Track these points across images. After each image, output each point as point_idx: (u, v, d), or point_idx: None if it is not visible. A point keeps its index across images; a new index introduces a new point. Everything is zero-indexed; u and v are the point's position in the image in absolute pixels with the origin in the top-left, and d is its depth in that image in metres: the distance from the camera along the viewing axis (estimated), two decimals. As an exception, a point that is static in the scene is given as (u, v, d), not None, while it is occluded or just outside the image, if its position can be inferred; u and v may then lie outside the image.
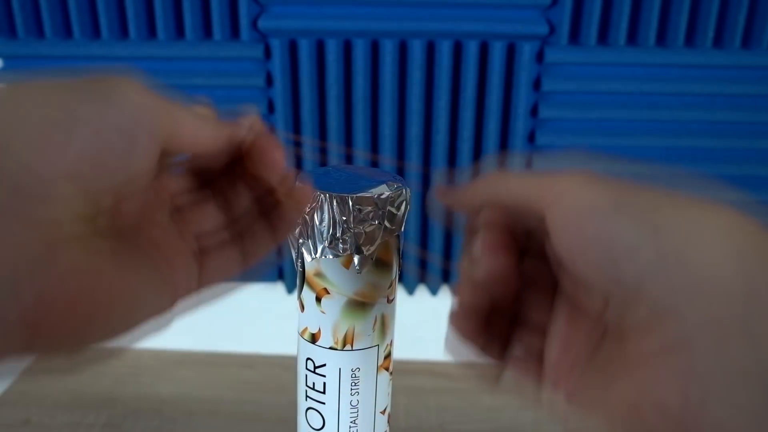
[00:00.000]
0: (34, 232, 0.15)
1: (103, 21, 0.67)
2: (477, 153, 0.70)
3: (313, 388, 0.32)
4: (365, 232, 0.28)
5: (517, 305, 0.24)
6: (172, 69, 0.68)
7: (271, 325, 0.83)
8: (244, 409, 0.74)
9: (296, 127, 0.70)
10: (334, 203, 0.27)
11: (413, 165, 0.70)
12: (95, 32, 0.69)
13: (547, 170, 0.21)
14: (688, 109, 0.67)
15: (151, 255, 0.21)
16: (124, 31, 0.68)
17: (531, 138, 0.70)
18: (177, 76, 0.68)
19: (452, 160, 0.71)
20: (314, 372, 0.31)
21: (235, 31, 0.68)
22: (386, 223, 0.28)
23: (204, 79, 0.68)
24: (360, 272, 0.28)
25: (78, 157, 0.16)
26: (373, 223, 0.28)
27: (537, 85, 0.67)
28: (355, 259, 0.28)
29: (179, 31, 0.68)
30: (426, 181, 0.72)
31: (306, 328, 0.31)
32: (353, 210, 0.27)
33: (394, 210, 0.28)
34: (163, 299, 0.21)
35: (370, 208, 0.27)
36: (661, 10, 0.64)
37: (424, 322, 0.83)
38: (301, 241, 0.29)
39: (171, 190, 0.24)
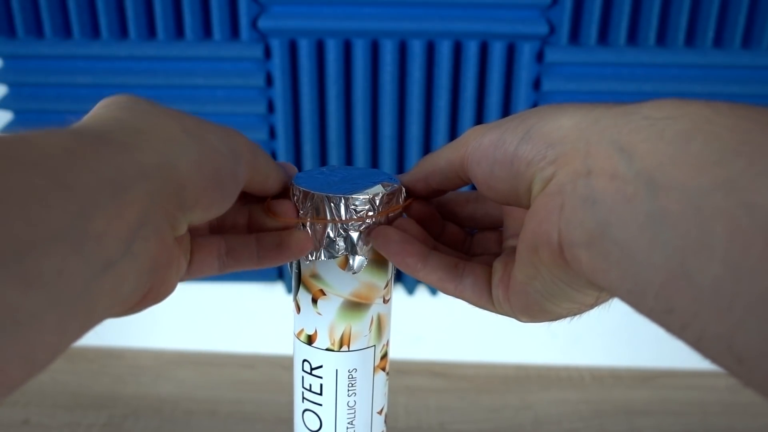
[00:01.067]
0: (170, 224, 0.22)
1: (102, 21, 0.67)
2: (477, 153, 0.70)
3: (309, 390, 0.32)
4: (361, 232, 0.28)
5: (468, 246, 0.31)
6: (172, 69, 0.68)
7: (270, 325, 0.83)
8: (244, 409, 0.74)
9: (296, 126, 0.70)
10: (330, 204, 0.27)
11: (413, 165, 0.70)
12: (95, 32, 0.69)
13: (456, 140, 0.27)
14: (688, 109, 0.67)
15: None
16: (123, 31, 0.68)
17: (531, 138, 0.70)
18: (177, 76, 0.68)
19: (452, 160, 0.71)
20: (311, 374, 0.31)
21: (235, 31, 0.68)
22: (382, 224, 0.28)
23: (204, 79, 0.68)
24: (356, 273, 0.28)
25: (208, 178, 0.23)
26: (368, 223, 0.27)
27: (537, 85, 0.67)
28: (351, 260, 0.28)
29: (179, 31, 0.68)
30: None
31: (302, 330, 0.31)
32: (348, 211, 0.27)
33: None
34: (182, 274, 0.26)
35: (365, 209, 0.27)
36: (662, 9, 0.64)
37: (424, 322, 0.83)
38: None
39: None
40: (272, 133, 0.70)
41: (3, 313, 0.15)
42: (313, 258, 0.28)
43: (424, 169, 0.30)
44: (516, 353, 0.83)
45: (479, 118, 0.69)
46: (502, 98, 0.67)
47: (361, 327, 0.29)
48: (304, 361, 0.31)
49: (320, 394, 0.31)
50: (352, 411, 0.31)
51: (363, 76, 0.67)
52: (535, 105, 0.68)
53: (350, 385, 0.30)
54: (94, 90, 0.70)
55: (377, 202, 0.27)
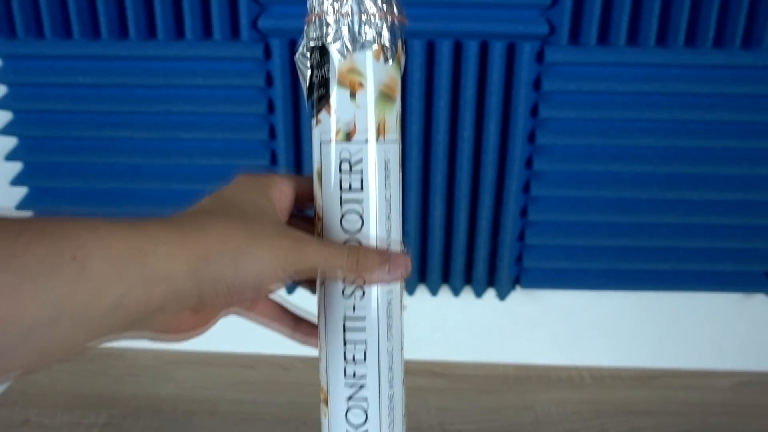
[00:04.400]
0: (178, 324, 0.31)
1: (102, 21, 0.67)
2: (477, 153, 0.70)
3: (350, 189, 0.32)
4: (386, 22, 0.31)
5: None
6: (172, 69, 0.68)
7: (270, 325, 0.83)
8: (244, 409, 0.74)
9: (296, 126, 0.70)
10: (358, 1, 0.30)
11: (412, 166, 0.70)
12: (95, 32, 0.69)
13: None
14: (688, 109, 0.67)
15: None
16: (123, 31, 0.68)
17: (531, 138, 0.70)
18: (177, 76, 0.68)
19: (452, 160, 0.71)
20: (350, 171, 0.31)
21: (235, 31, 0.68)
22: (400, 10, 0.32)
23: (204, 79, 0.68)
24: (388, 61, 0.31)
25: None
26: (391, 11, 0.31)
27: (537, 85, 0.67)
28: (385, 47, 0.31)
29: (179, 31, 0.68)
30: (426, 180, 0.72)
31: (339, 130, 0.31)
32: (375, 2, 0.30)
33: None
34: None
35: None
36: (662, 10, 0.64)
37: (424, 322, 0.83)
38: (329, 41, 0.31)
39: None
40: (272, 133, 0.70)
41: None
42: (352, 50, 0.31)
43: None
44: (516, 353, 0.82)
45: (479, 118, 0.69)
46: (502, 98, 0.67)
47: (392, 118, 0.32)
48: (341, 162, 0.31)
49: (361, 189, 0.31)
50: (389, 205, 0.32)
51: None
52: (535, 105, 0.68)
53: (386, 176, 0.32)
54: (94, 90, 0.70)
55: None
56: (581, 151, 0.70)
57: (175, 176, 0.72)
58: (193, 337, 0.32)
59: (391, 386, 0.33)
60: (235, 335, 0.85)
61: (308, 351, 0.95)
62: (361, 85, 0.31)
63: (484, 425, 0.72)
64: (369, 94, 0.31)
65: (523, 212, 0.73)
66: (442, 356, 0.84)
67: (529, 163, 0.71)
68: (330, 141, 0.31)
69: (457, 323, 0.81)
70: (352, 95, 0.31)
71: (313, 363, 0.93)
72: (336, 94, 0.31)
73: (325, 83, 0.31)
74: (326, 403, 0.34)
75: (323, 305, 0.33)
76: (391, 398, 0.33)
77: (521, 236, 0.74)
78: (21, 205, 0.74)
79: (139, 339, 0.28)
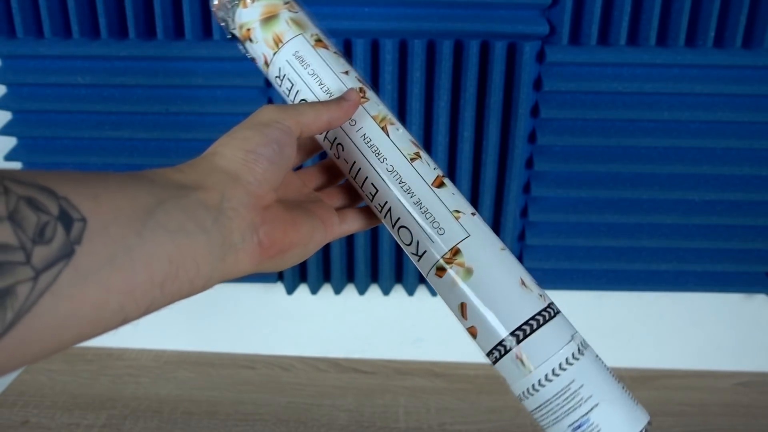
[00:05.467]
0: (256, 202, 0.29)
1: (102, 21, 0.67)
2: (477, 153, 0.70)
3: (289, 93, 0.39)
4: None
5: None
6: (172, 69, 0.68)
7: (270, 325, 0.83)
8: (243, 410, 0.74)
9: (296, 127, 0.70)
10: None
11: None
12: (94, 32, 0.68)
13: None
14: (690, 109, 0.67)
15: (310, 213, 0.34)
16: (123, 31, 0.68)
17: (531, 138, 0.70)
18: (177, 76, 0.68)
19: (452, 160, 0.71)
20: (281, 81, 0.39)
21: (234, 31, 0.68)
22: None
23: (204, 79, 0.68)
24: (254, 1, 0.39)
25: (265, 168, 0.30)
26: None
27: (537, 85, 0.67)
28: None
29: (179, 31, 0.68)
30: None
31: (264, 64, 0.40)
32: None
33: None
34: (321, 238, 0.35)
35: None
36: (662, 10, 0.64)
37: (424, 323, 0.83)
38: (230, 23, 0.40)
39: (307, 176, 0.40)
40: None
41: (180, 227, 0.26)
42: (231, 17, 0.40)
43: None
44: (516, 354, 0.82)
45: (480, 118, 0.69)
46: (502, 98, 0.67)
47: (281, 26, 0.38)
48: (276, 80, 0.40)
49: (291, 86, 0.38)
50: (318, 77, 0.38)
51: (363, 76, 0.67)
52: (535, 105, 0.68)
53: (301, 62, 0.38)
54: (94, 90, 0.70)
55: None
56: (581, 151, 0.70)
57: (174, 176, 0.72)
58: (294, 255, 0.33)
59: (411, 194, 0.35)
60: (235, 335, 0.85)
61: (308, 351, 0.96)
62: (249, 30, 0.39)
63: (484, 425, 0.72)
64: (256, 31, 0.38)
65: (523, 212, 0.73)
66: (442, 356, 0.83)
67: (529, 163, 0.71)
68: (267, 73, 0.40)
69: (457, 323, 0.81)
70: (251, 40, 0.39)
71: (312, 363, 0.93)
72: (247, 47, 0.40)
73: (244, 47, 0.41)
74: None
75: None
76: (418, 203, 0.34)
77: (521, 236, 0.74)
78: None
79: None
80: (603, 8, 0.64)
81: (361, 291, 0.78)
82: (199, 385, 0.78)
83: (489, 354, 0.33)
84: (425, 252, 0.35)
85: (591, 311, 0.80)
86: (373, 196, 0.36)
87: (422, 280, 0.78)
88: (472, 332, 0.34)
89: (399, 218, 0.35)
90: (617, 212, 0.71)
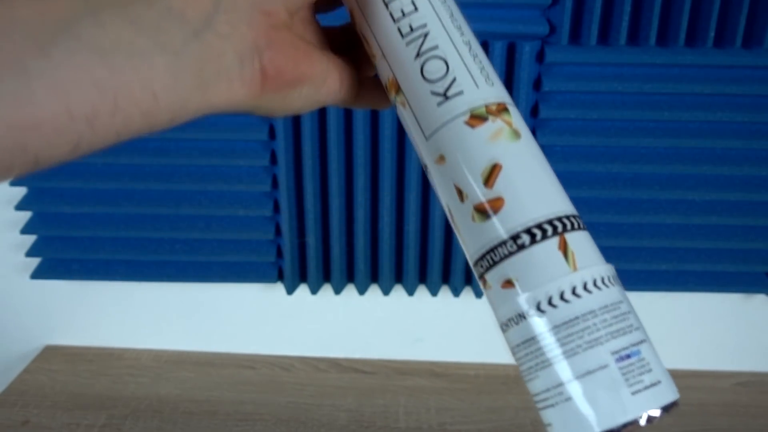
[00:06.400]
0: (263, 19, 0.24)
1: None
2: (477, 153, 0.70)
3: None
4: None
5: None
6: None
7: (270, 325, 0.83)
8: (244, 409, 0.74)
9: (295, 126, 0.70)
10: None
11: (413, 165, 0.70)
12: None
13: None
14: (690, 109, 0.67)
15: (325, 53, 0.28)
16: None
17: (531, 138, 0.70)
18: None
19: (452, 160, 0.71)
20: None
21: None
22: None
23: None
24: None
25: None
26: None
27: (537, 85, 0.67)
28: None
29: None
30: (426, 181, 0.72)
31: None
32: None
33: None
34: (334, 85, 0.28)
35: None
36: (662, 10, 0.64)
37: (424, 323, 0.83)
38: None
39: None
40: (272, 133, 0.70)
41: (120, 44, 0.19)
42: None
43: None
44: (516, 353, 0.82)
45: (479, 118, 0.69)
46: (502, 98, 0.67)
47: None
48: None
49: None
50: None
51: None
52: (535, 104, 0.68)
53: None
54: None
55: None
56: (581, 151, 0.70)
57: (175, 176, 0.72)
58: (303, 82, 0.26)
59: (461, 32, 0.28)
60: (236, 335, 0.85)
61: (308, 351, 0.96)
62: None
63: (484, 425, 0.72)
64: None
65: (524, 212, 0.73)
66: (442, 356, 0.84)
67: (529, 163, 0.71)
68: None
69: (457, 323, 0.81)
70: None
71: (312, 363, 0.93)
72: None
73: None
74: (397, 87, 0.28)
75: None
76: (468, 43, 0.28)
77: (521, 236, 0.74)
78: (20, 205, 0.74)
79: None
80: (603, 8, 0.64)
81: (361, 291, 0.78)
82: (200, 385, 0.78)
83: (516, 237, 0.25)
84: (461, 93, 0.26)
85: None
86: (404, 14, 0.28)
87: (422, 280, 0.78)
88: (496, 205, 0.25)
89: (437, 46, 0.27)
90: (617, 212, 0.71)
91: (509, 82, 0.67)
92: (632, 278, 0.75)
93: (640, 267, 0.74)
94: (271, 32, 0.24)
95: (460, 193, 0.26)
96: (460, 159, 0.26)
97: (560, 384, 0.24)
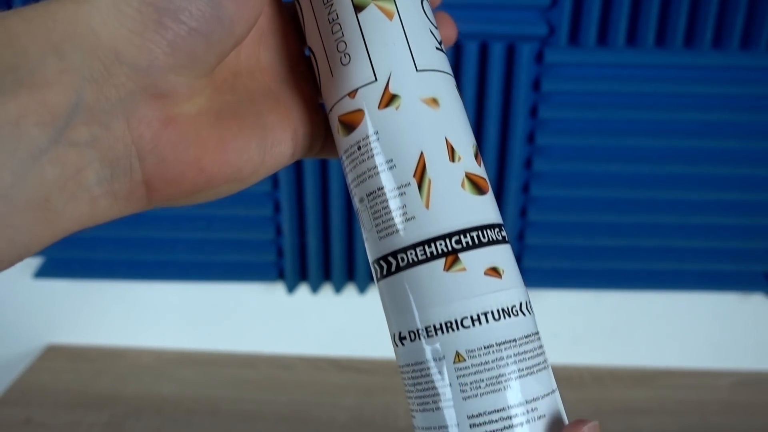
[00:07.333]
0: (156, 106, 0.18)
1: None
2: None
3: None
4: None
5: None
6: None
7: (271, 325, 0.83)
8: (245, 408, 0.74)
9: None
10: None
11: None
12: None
13: None
14: (688, 109, 0.68)
15: (258, 120, 0.22)
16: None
17: (531, 138, 0.70)
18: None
19: (452, 161, 0.71)
20: None
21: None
22: None
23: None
24: None
25: (171, 49, 0.17)
26: None
27: (537, 85, 0.68)
28: None
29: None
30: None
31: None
32: None
33: None
34: (259, 162, 0.22)
35: None
36: (660, 11, 0.64)
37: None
38: None
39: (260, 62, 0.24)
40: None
41: None
42: None
43: None
44: (516, 353, 0.83)
45: (479, 119, 0.69)
46: (501, 99, 0.67)
47: None
48: None
49: None
50: None
51: None
52: (534, 105, 0.68)
53: None
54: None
55: None
56: (581, 151, 0.70)
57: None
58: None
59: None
60: (236, 335, 0.85)
61: (309, 350, 0.96)
62: None
63: (483, 424, 0.72)
64: None
65: (523, 212, 0.73)
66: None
67: (528, 164, 0.71)
68: None
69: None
70: None
71: (313, 362, 0.93)
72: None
73: None
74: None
75: None
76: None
77: (521, 236, 0.74)
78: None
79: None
80: (602, 9, 0.65)
81: (362, 290, 0.79)
82: (201, 383, 0.78)
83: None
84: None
85: (590, 310, 0.81)
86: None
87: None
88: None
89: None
90: (616, 212, 0.72)
91: (508, 83, 0.67)
92: (631, 278, 0.76)
93: (639, 266, 0.75)
94: (171, 121, 0.18)
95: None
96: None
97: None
